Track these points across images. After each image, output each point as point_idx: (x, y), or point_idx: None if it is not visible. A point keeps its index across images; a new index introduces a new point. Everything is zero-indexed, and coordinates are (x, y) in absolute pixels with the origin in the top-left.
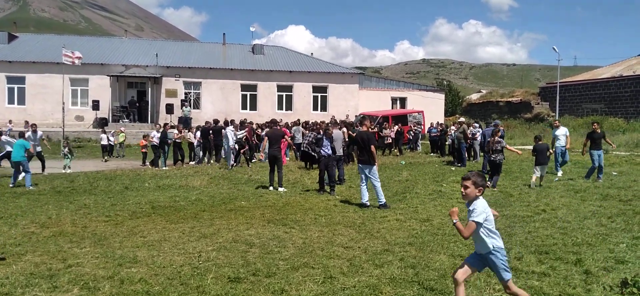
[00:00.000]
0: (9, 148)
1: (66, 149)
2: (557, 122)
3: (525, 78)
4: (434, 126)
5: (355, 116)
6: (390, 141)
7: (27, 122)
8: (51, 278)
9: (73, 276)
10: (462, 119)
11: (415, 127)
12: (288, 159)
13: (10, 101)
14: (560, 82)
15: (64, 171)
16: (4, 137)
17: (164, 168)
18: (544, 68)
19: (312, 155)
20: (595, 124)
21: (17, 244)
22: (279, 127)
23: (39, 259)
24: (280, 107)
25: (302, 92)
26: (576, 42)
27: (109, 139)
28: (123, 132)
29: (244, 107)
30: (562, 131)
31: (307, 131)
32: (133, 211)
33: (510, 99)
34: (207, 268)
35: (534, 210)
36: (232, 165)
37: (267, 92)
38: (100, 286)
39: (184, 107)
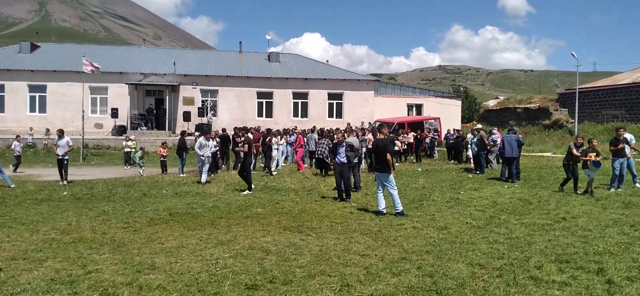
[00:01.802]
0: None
1: (139, 153)
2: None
3: (543, 84)
4: (451, 132)
5: (369, 122)
6: (399, 148)
7: (48, 129)
8: (71, 284)
9: (92, 282)
10: (479, 125)
11: (432, 134)
12: (305, 165)
13: (32, 109)
14: (579, 88)
15: (141, 174)
16: (15, 144)
17: (182, 175)
18: (562, 74)
19: (327, 162)
20: (620, 129)
21: (38, 250)
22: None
23: (59, 265)
24: (295, 115)
25: (318, 99)
26: (595, 47)
27: (130, 148)
28: (133, 140)
29: (260, 114)
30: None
31: (321, 138)
32: (151, 218)
33: (528, 106)
34: (224, 275)
35: (553, 218)
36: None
37: (282, 99)
38: (119, 293)
39: (208, 115)
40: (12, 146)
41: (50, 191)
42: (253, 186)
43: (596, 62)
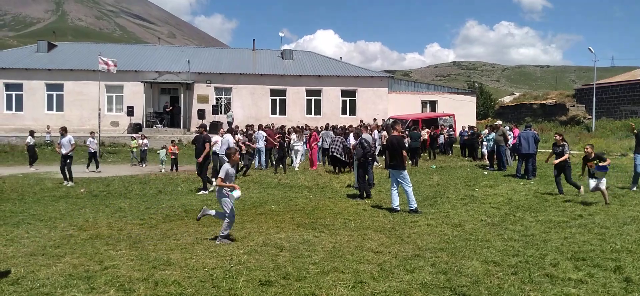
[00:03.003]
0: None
1: (163, 151)
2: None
3: (560, 80)
4: (465, 129)
5: (383, 119)
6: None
7: (64, 127)
8: (88, 280)
9: (109, 277)
10: (500, 121)
11: (448, 131)
12: (319, 163)
13: (50, 108)
14: (596, 84)
15: (162, 171)
16: (29, 139)
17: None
18: (579, 69)
19: (341, 159)
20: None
21: (56, 246)
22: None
23: (77, 261)
24: (309, 112)
25: (331, 96)
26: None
27: (146, 145)
28: (135, 139)
29: (273, 112)
30: None
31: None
32: (166, 214)
33: (544, 102)
34: (238, 271)
35: (570, 215)
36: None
37: (296, 97)
38: (135, 288)
39: (228, 112)
40: (27, 141)
41: (67, 188)
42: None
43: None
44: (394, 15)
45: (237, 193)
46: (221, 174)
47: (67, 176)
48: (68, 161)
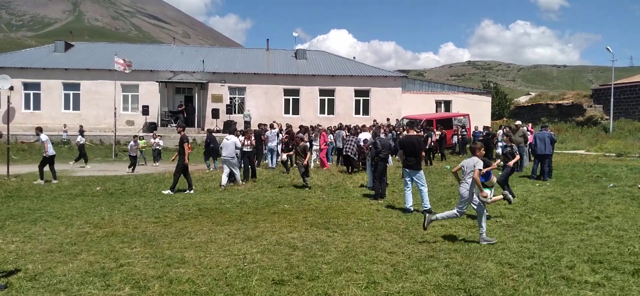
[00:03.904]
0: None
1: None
2: None
3: (577, 80)
4: (480, 130)
5: (396, 119)
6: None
7: (81, 126)
8: (104, 277)
9: (124, 275)
10: (519, 122)
11: (461, 131)
12: (331, 163)
13: (66, 107)
14: (614, 84)
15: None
16: (80, 138)
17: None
18: (596, 69)
19: (354, 159)
20: None
21: (72, 243)
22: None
23: (93, 258)
24: (322, 112)
25: (344, 96)
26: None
27: (159, 145)
28: (143, 139)
29: (286, 111)
30: None
31: (349, 136)
32: (181, 213)
33: (560, 102)
34: (252, 270)
35: (586, 217)
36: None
37: (309, 96)
38: (150, 286)
39: (245, 111)
40: (77, 140)
41: (83, 186)
42: (192, 188)
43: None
44: (408, 15)
45: None
46: None
47: (53, 175)
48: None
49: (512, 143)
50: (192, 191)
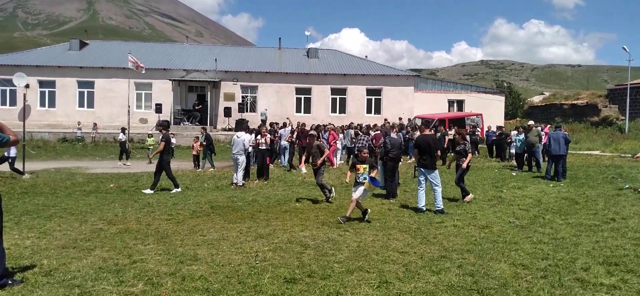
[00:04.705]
0: None
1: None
2: None
3: (592, 80)
4: (492, 130)
5: (408, 119)
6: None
7: (95, 124)
8: (118, 273)
9: (138, 271)
10: (532, 122)
11: (475, 130)
12: (342, 161)
13: (81, 104)
14: (630, 84)
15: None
16: (121, 136)
17: (203, 170)
18: (612, 69)
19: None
20: None
21: (86, 239)
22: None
23: (106, 254)
24: (334, 111)
25: (356, 95)
26: None
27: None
28: (152, 136)
29: (298, 110)
30: None
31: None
32: (193, 210)
33: (575, 102)
34: (263, 268)
35: (601, 219)
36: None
37: (321, 95)
38: (162, 282)
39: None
40: (119, 137)
41: (97, 183)
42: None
43: None
44: (420, 14)
45: None
46: None
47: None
48: (10, 160)
49: (465, 141)
50: (179, 190)
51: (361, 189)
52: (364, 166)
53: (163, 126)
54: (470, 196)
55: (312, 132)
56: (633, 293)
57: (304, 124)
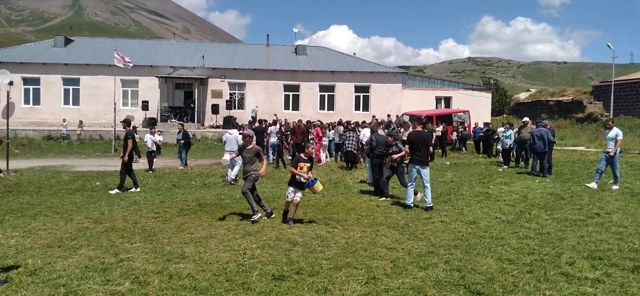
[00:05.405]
0: None
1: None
2: (611, 122)
3: (577, 77)
4: (479, 126)
5: (397, 116)
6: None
7: (80, 121)
8: (104, 272)
9: (124, 270)
10: (527, 118)
11: (461, 128)
12: (332, 159)
13: (66, 102)
14: (615, 81)
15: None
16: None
17: (181, 168)
18: (597, 66)
19: (355, 155)
20: None
21: (72, 238)
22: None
23: (92, 253)
24: (322, 108)
25: (345, 92)
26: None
27: (159, 141)
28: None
29: (286, 107)
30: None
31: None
32: (180, 208)
33: (560, 98)
34: (251, 265)
35: (586, 214)
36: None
37: (309, 92)
38: (150, 281)
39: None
40: (145, 140)
41: (83, 181)
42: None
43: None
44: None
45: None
46: None
47: None
48: None
49: (396, 142)
50: (138, 190)
51: (300, 193)
52: (308, 165)
53: (127, 122)
54: (387, 199)
55: (248, 131)
56: (616, 287)
57: (299, 120)
